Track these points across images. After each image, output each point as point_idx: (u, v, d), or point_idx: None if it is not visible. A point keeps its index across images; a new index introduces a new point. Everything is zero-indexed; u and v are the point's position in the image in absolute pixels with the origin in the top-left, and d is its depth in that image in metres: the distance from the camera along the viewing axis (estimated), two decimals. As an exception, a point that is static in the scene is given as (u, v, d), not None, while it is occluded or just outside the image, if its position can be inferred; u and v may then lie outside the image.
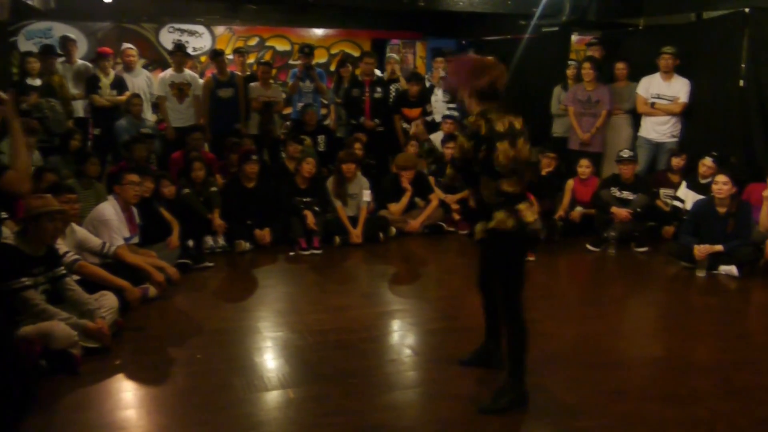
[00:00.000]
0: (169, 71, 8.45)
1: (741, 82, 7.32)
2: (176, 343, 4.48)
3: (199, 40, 11.12)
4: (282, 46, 11.82)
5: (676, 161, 7.36)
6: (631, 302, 5.75)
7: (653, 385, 3.96)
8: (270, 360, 4.26)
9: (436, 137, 8.46)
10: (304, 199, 7.02)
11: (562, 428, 3.49)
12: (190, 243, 6.37)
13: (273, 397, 3.74)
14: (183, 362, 4.21)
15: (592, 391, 3.84)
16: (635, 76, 7.98)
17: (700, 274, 6.10)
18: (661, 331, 5.01)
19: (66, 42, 8.48)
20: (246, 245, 6.68)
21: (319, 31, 11.95)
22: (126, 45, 8.83)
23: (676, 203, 7.17)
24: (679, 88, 7.61)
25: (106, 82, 8.18)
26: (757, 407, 3.67)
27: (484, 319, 4.05)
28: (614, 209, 6.98)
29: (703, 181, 6.88)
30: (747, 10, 7.17)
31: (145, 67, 9.75)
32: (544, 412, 3.64)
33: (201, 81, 8.63)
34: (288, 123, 9.50)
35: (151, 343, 4.48)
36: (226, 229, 6.66)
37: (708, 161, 6.92)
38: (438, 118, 8.79)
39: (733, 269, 6.04)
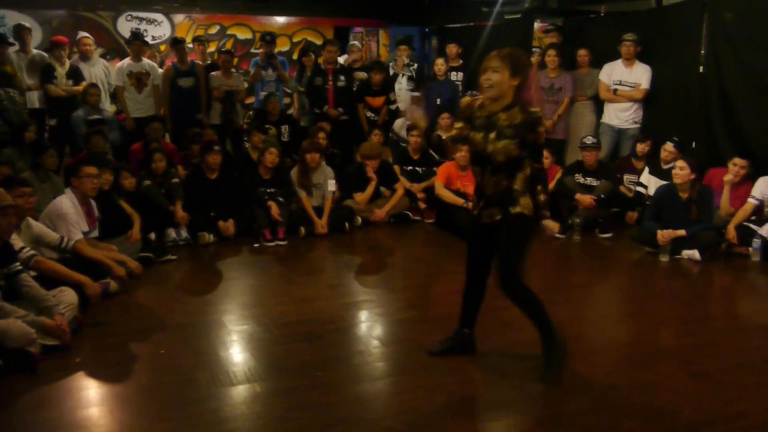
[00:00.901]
0: (127, 60, 8.28)
1: (701, 69, 7.41)
2: (139, 339, 4.38)
3: (158, 28, 10.93)
4: (243, 34, 11.69)
5: (641, 147, 7.42)
6: (596, 288, 5.79)
7: (619, 371, 3.99)
8: (236, 354, 4.19)
9: (400, 125, 8.42)
10: (268, 190, 6.94)
11: (529, 416, 3.50)
12: (152, 236, 6.28)
13: (239, 392, 3.68)
14: (146, 358, 4.12)
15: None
16: (597, 63, 8.03)
17: (664, 258, 6.17)
18: (626, 317, 5.06)
19: (20, 30, 8.21)
20: (209, 237, 6.58)
21: (281, 19, 11.83)
22: (82, 34, 8.62)
23: (640, 189, 7.24)
24: (640, 75, 7.68)
25: (61, 71, 7.97)
26: (720, 390, 3.72)
27: (462, 305, 4.04)
28: (578, 196, 7.02)
29: (665, 167, 6.96)
30: (706, -3, 7.26)
31: (102, 56, 9.55)
32: (511, 401, 3.63)
33: (160, 70, 8.47)
34: (250, 112, 9.39)
35: (113, 339, 4.37)
36: (189, 221, 6.54)
37: (669, 146, 7.00)
38: (402, 106, 8.76)
39: (695, 253, 6.12)
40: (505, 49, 3.63)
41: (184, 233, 6.53)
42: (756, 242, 6.12)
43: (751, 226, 6.27)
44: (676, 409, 3.52)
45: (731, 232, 6.23)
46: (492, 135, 3.55)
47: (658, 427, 3.34)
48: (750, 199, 6.28)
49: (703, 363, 4.06)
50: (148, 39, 10.14)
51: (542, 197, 3.67)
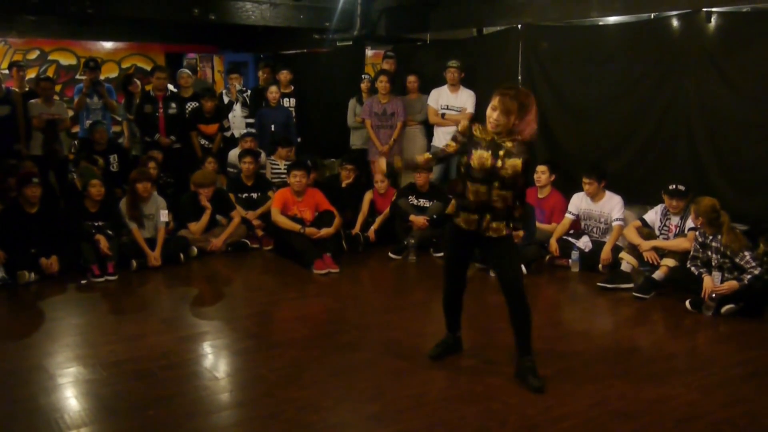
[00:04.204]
0: (-71, 87, 7.62)
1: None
2: (-55, 392, 4.01)
3: (-32, 53, 10.17)
4: (67, 59, 11.12)
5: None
6: (432, 306, 5.92)
7: (452, 386, 4.14)
8: (58, 400, 3.92)
9: (234, 154, 8.30)
10: (96, 223, 6.60)
11: (367, 437, 3.54)
12: (-37, 278, 5.78)
13: (61, 440, 3.46)
14: (-47, 413, 3.77)
15: (395, 397, 3.92)
16: (425, 89, 8.35)
17: (493, 273, 6.45)
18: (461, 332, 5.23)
19: None
20: (30, 276, 6.13)
21: (107, 44, 11.36)
22: None
23: (469, 208, 7.56)
24: (465, 99, 8.05)
25: None
26: (544, 395, 3.95)
27: (448, 312, 4.53)
28: (412, 217, 7.22)
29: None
30: (519, 26, 7.76)
31: None
32: (348, 424, 3.67)
33: (-30, 98, 7.86)
34: (76, 142, 8.94)
35: None
36: (6, 259, 6.08)
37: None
38: (237, 133, 8.66)
39: (521, 267, 6.45)
40: (512, 92, 3.90)
41: (0, 273, 6.06)
42: (574, 254, 6.58)
43: (570, 239, 6.73)
44: (503, 418, 3.70)
45: (553, 245, 6.66)
46: (501, 152, 3.93)
47: (486, 437, 3.49)
48: (567, 215, 6.75)
49: (527, 372, 4.27)
50: (-44, 64, 9.40)
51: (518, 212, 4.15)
